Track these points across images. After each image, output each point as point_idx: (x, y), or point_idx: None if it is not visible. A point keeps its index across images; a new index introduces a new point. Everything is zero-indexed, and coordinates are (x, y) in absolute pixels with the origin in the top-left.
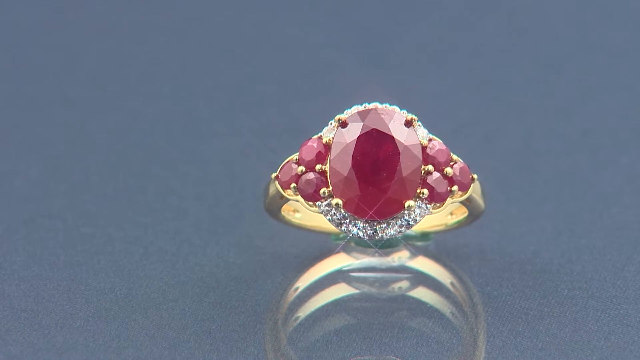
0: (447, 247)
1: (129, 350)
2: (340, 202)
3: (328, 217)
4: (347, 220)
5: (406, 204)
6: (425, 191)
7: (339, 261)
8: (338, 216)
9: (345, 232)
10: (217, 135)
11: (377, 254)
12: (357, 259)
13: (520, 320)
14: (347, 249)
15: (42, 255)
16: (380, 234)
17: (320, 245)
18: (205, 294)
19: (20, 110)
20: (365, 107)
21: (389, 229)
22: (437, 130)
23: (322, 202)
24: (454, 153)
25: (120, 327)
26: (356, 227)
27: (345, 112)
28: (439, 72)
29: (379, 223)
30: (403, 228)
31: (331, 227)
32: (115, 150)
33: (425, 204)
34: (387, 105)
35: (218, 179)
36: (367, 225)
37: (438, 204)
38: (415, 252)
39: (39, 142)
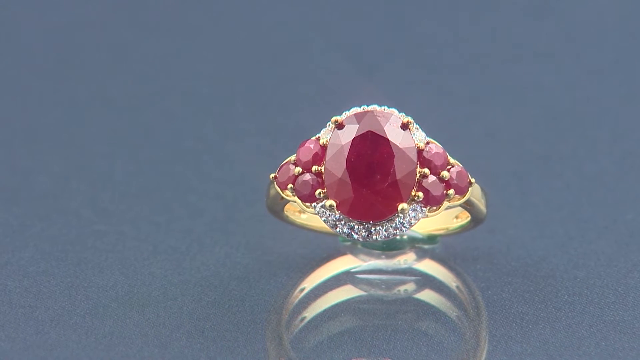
0: (455, 250)
1: (119, 347)
2: (333, 203)
3: (323, 219)
4: (342, 222)
5: (399, 207)
6: (421, 194)
7: (345, 263)
8: (333, 218)
9: (340, 234)
10: (244, 135)
11: (383, 257)
12: (364, 261)
13: (514, 325)
14: (354, 251)
15: (51, 251)
16: (374, 236)
17: (328, 247)
18: (206, 293)
19: (50, 107)
20: (364, 109)
21: (384, 231)
22: (465, 132)
23: (317, 204)
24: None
25: (115, 325)
26: (351, 228)
27: (343, 113)
28: (469, 75)
29: (374, 225)
30: (398, 231)
31: None
32: (142, 148)
33: (421, 207)
34: (386, 107)
35: (239, 179)
36: (361, 227)
37: (434, 208)
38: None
39: (66, 138)
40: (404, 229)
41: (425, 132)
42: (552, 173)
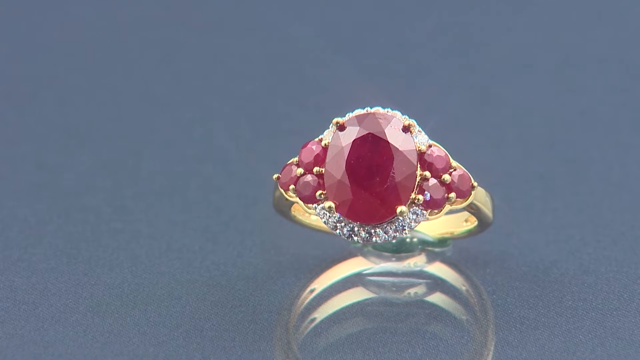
0: (468, 253)
1: (114, 346)
2: (332, 205)
3: (324, 220)
4: (342, 224)
5: (398, 210)
6: (421, 197)
7: (356, 264)
8: (333, 219)
9: (340, 236)
10: (274, 135)
11: (394, 259)
12: (375, 263)
13: (513, 329)
14: (365, 253)
15: (64, 248)
16: (374, 239)
17: (340, 248)
18: (211, 292)
19: (85, 105)
20: (367, 111)
21: (383, 234)
22: (498, 134)
23: (317, 205)
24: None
25: (114, 323)
26: (350, 230)
27: (347, 115)
28: (504, 77)
29: (374, 227)
30: (397, 233)
31: None
32: (173, 147)
33: (422, 210)
34: (389, 110)
35: (266, 178)
36: (361, 229)
37: (435, 211)
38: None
39: (98, 135)
40: (404, 231)
41: (428, 135)
42: (578, 177)
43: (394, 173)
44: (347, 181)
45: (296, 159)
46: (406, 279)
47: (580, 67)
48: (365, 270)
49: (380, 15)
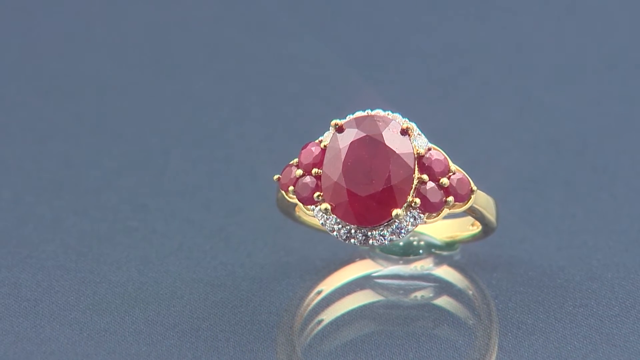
0: (477, 257)
1: (108, 344)
2: (328, 207)
3: (321, 222)
4: (340, 226)
5: (394, 213)
6: (418, 200)
7: (364, 267)
8: (330, 221)
9: (338, 238)
10: (304, 136)
11: (401, 262)
12: (383, 266)
13: (509, 334)
14: (373, 256)
15: (75, 246)
16: (370, 241)
17: (350, 250)
18: (214, 292)
19: (114, 103)
20: (367, 113)
21: (380, 237)
22: (526, 139)
23: (315, 207)
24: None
25: (112, 321)
26: (347, 232)
27: (347, 117)
28: (537, 83)
29: (370, 230)
30: (394, 236)
31: None
32: (201, 146)
33: (419, 213)
34: (390, 112)
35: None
36: (358, 231)
37: (433, 214)
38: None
39: (126, 134)
40: (401, 234)
41: (426, 138)
42: (602, 184)
43: (390, 176)
44: (343, 183)
45: (296, 160)
46: (413, 282)
47: (614, 73)
48: (372, 272)
49: (417, 17)
